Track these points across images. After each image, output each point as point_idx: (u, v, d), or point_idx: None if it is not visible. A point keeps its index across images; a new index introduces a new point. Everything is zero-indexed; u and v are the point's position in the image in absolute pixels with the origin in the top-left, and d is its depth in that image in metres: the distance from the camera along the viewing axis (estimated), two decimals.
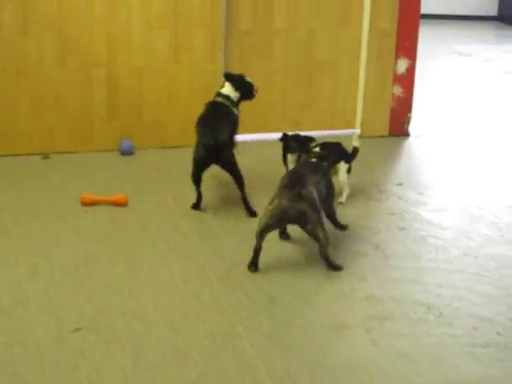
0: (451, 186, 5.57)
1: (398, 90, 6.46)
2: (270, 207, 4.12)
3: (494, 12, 13.14)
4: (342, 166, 5.09)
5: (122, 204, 4.95)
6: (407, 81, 6.47)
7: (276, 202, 4.10)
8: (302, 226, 4.13)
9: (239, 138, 6.16)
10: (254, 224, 4.30)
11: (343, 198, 5.11)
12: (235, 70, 6.09)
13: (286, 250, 4.42)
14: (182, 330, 3.60)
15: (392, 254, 4.45)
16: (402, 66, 6.41)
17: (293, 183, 4.14)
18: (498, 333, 3.68)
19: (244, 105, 6.18)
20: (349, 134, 6.47)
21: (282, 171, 4.79)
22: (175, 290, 3.96)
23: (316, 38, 6.28)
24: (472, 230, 4.78)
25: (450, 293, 4.03)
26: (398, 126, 6.57)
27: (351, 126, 6.54)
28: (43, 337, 3.49)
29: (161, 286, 3.99)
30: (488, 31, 12.51)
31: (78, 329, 3.56)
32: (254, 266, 4.16)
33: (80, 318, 3.65)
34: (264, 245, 4.19)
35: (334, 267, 4.19)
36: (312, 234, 4.13)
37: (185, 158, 5.80)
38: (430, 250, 4.53)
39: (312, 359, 3.42)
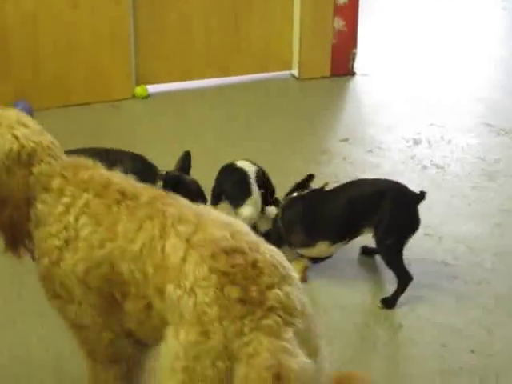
0: (405, 138, 4.74)
1: (339, 24, 5.53)
2: None
3: None
4: None
5: None
6: (350, 11, 5.51)
7: None
8: None
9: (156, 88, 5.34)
10: None
11: None
12: (147, 13, 5.20)
13: None
14: None
15: None
16: None
17: None
18: (472, 351, 2.94)
19: (161, 51, 5.32)
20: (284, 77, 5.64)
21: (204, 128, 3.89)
22: None
23: None
24: (434, 199, 3.98)
25: (409, 293, 3.25)
26: (342, 65, 5.64)
27: (287, 67, 5.65)
28: None
29: None
30: None
31: None
32: None
33: None
34: None
35: None
36: None
37: (92, 118, 4.96)
38: None
39: None
